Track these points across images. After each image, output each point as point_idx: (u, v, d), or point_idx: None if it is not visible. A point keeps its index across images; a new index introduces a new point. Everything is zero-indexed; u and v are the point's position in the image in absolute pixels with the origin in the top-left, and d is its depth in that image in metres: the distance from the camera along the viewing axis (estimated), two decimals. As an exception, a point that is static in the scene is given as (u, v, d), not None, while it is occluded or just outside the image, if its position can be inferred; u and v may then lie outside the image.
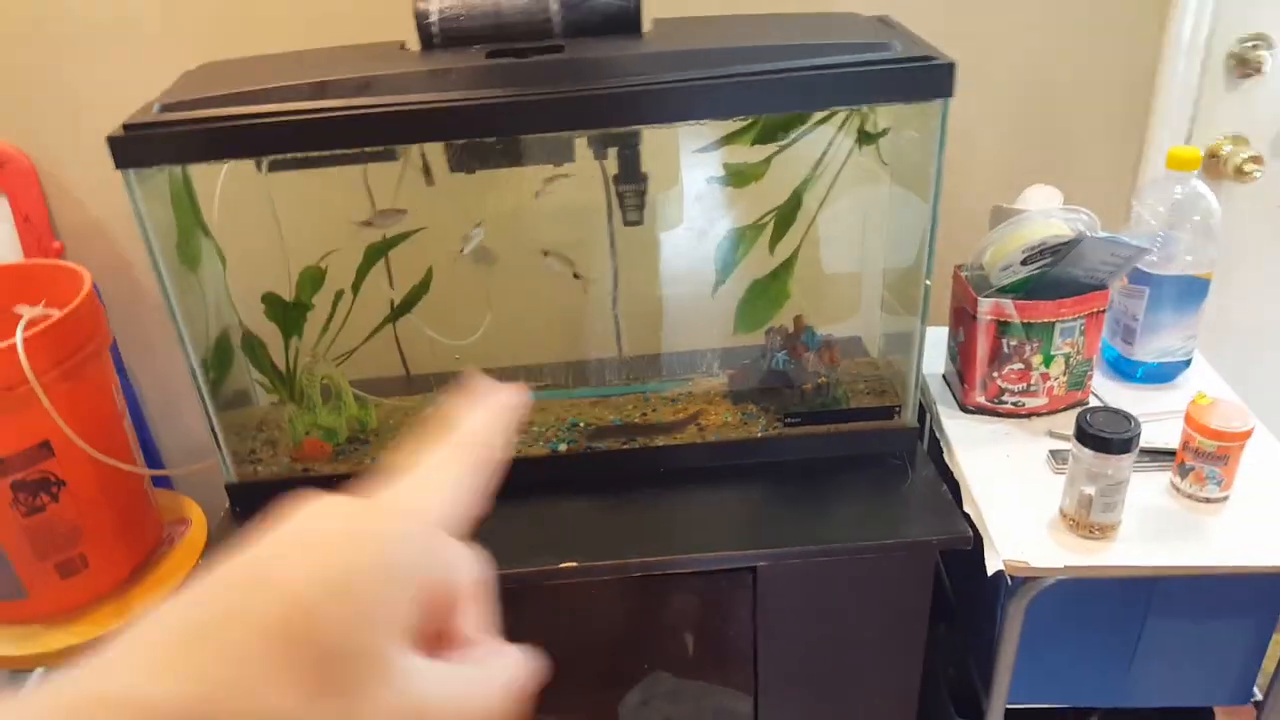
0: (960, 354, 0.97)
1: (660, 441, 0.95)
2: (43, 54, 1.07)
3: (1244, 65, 1.10)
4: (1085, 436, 0.79)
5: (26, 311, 0.95)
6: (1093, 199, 0.94)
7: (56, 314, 0.94)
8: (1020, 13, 1.07)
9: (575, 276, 0.96)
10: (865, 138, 0.90)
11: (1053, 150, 1.14)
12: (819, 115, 0.86)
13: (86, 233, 1.16)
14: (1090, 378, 0.96)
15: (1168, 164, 0.92)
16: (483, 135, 0.84)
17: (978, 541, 0.84)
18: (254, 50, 0.93)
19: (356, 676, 0.19)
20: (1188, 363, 1.00)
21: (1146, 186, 0.97)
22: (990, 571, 0.81)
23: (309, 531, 0.21)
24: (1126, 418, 0.80)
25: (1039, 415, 0.96)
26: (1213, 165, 1.14)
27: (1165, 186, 0.93)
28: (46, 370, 0.92)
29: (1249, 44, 1.10)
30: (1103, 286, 0.91)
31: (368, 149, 0.87)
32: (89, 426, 0.95)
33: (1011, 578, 0.82)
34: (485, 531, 0.96)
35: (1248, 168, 1.13)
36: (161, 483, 1.30)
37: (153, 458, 1.30)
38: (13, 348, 0.90)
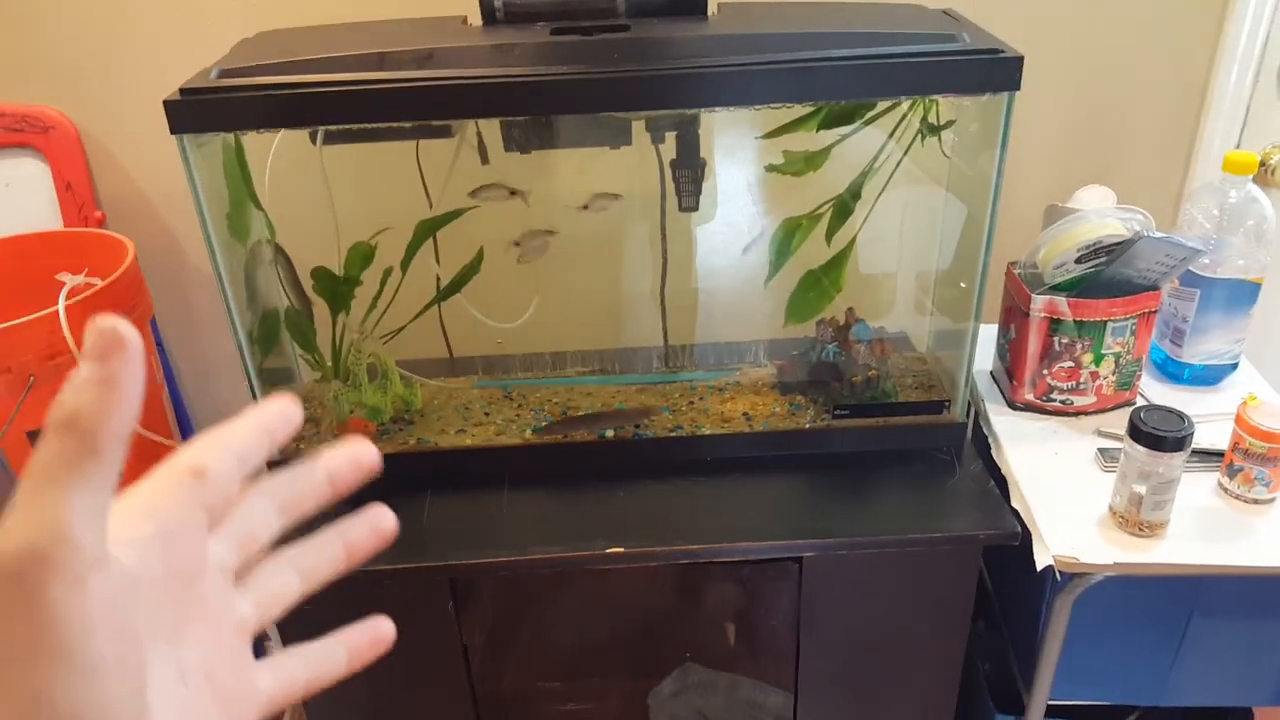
0: (1010, 351, 0.97)
1: (708, 430, 0.94)
2: (91, 20, 1.06)
3: (1293, 74, 1.10)
4: (1139, 434, 0.79)
5: (69, 279, 0.95)
6: (1140, 202, 0.94)
7: (99, 283, 0.93)
8: (1076, 15, 1.07)
9: (511, 194, 0.93)
10: (928, 130, 0.89)
11: (1104, 153, 1.15)
12: (883, 105, 0.86)
13: (128, 203, 1.14)
14: (1139, 378, 0.96)
15: (1224, 167, 0.92)
16: (545, 112, 0.83)
17: (1024, 538, 0.84)
18: (312, 21, 0.92)
19: None
20: (1234, 366, 1.00)
21: (1199, 189, 0.97)
22: (1039, 567, 0.80)
23: None
24: (1180, 416, 0.80)
25: (1086, 414, 0.96)
26: (1261, 174, 1.15)
27: (1219, 190, 0.93)
28: (87, 339, 0.91)
29: (1299, 53, 1.10)
30: (1155, 287, 0.92)
31: (424, 124, 0.86)
32: (127, 398, 0.94)
33: (1060, 574, 0.82)
34: (533, 516, 0.95)
35: (1294, 176, 1.13)
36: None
37: (188, 435, 1.29)
38: (54, 315, 0.89)
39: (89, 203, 1.12)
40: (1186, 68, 1.10)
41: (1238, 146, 1.12)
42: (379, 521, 0.31)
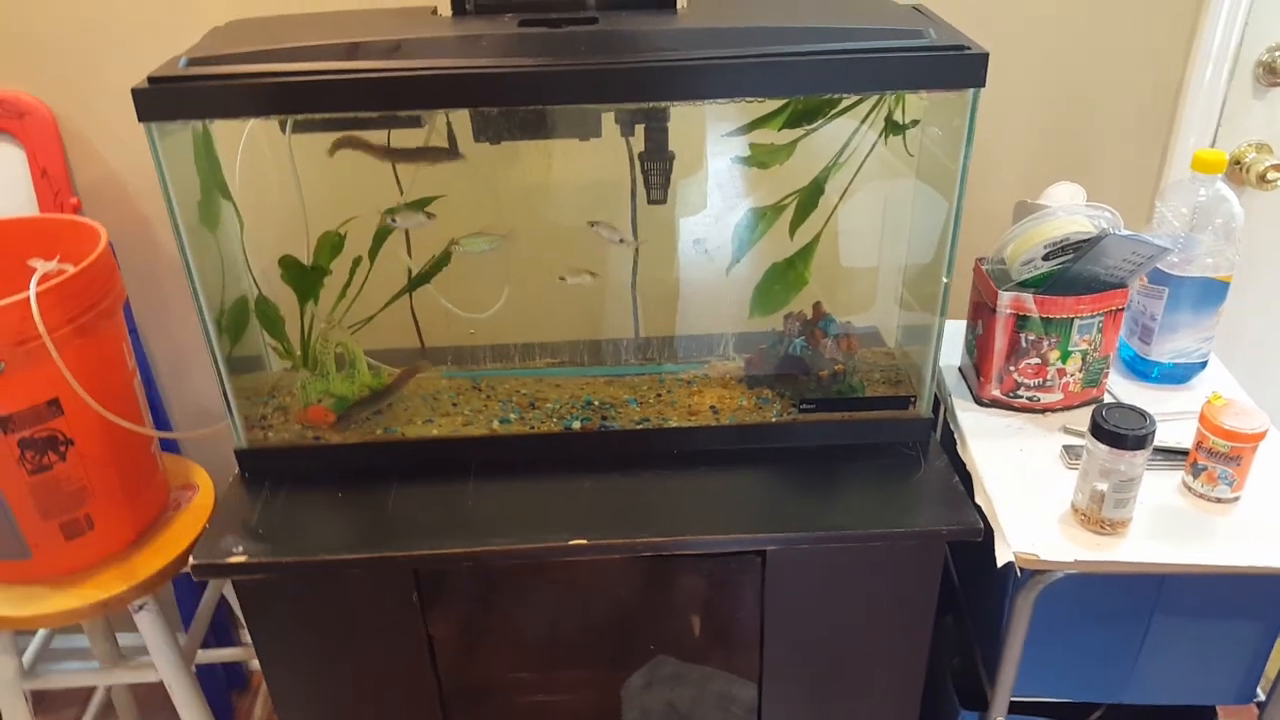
0: (978, 347, 0.97)
1: (675, 423, 0.94)
2: (70, 5, 1.06)
3: (1272, 74, 1.10)
4: (1100, 432, 0.79)
5: (41, 265, 0.95)
6: (1116, 199, 0.94)
7: (71, 269, 0.93)
8: (1052, 12, 1.07)
9: (428, 216, 0.92)
10: (893, 128, 0.89)
11: (1078, 149, 1.14)
12: (849, 100, 0.86)
13: (105, 189, 1.15)
14: (1106, 376, 0.96)
15: (1193, 166, 0.92)
16: (512, 104, 0.83)
17: (987, 534, 0.84)
18: (283, 10, 0.92)
19: None
20: (1203, 365, 1.00)
21: (1170, 187, 0.97)
22: (1000, 563, 0.81)
23: None
24: (1142, 415, 0.80)
25: (1053, 411, 0.96)
26: (1235, 172, 1.14)
27: (1189, 188, 0.93)
28: (59, 326, 0.91)
29: (1278, 53, 1.10)
30: (1122, 285, 0.91)
31: (393, 114, 0.87)
32: (99, 385, 0.95)
33: (1021, 570, 0.82)
34: (498, 507, 0.95)
35: (1270, 175, 1.13)
36: (169, 448, 1.29)
37: (162, 421, 1.29)
38: (25, 301, 0.89)
39: (65, 189, 1.12)
40: (1162, 65, 1.09)
41: (1213, 144, 1.12)
42: None
